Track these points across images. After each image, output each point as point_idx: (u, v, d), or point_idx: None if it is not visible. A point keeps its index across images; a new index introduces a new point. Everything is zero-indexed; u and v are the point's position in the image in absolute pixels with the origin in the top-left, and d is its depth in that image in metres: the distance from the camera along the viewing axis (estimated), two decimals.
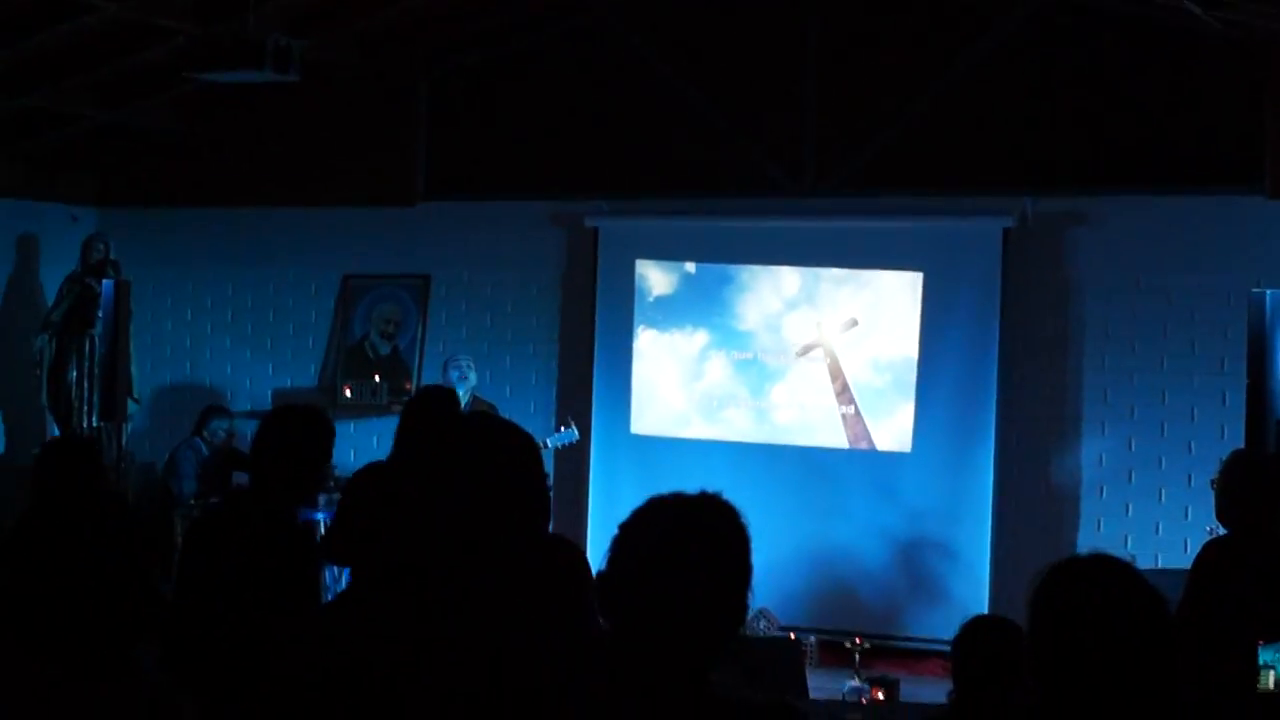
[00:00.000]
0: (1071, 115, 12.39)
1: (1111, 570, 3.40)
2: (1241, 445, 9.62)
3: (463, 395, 12.10)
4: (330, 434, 5.99)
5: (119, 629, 3.56)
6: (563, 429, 12.39)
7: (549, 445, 11.94)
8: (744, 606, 3.14)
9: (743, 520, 3.16)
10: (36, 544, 3.61)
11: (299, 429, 5.88)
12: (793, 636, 10.74)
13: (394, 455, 7.15)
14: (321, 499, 10.37)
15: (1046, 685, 3.34)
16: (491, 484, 4.12)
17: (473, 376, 12.41)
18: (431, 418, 7.16)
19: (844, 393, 12.64)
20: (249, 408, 14.11)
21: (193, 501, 12.55)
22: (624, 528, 3.17)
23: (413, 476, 4.48)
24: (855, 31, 12.91)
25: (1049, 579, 3.40)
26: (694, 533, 3.09)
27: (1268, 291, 10.25)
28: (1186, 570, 7.10)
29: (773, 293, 12.87)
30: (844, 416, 12.62)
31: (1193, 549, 7.12)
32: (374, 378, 13.67)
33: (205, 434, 13.21)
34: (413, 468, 4.98)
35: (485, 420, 4.84)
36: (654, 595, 3.05)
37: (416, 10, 12.88)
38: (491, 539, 4.27)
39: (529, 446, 4.66)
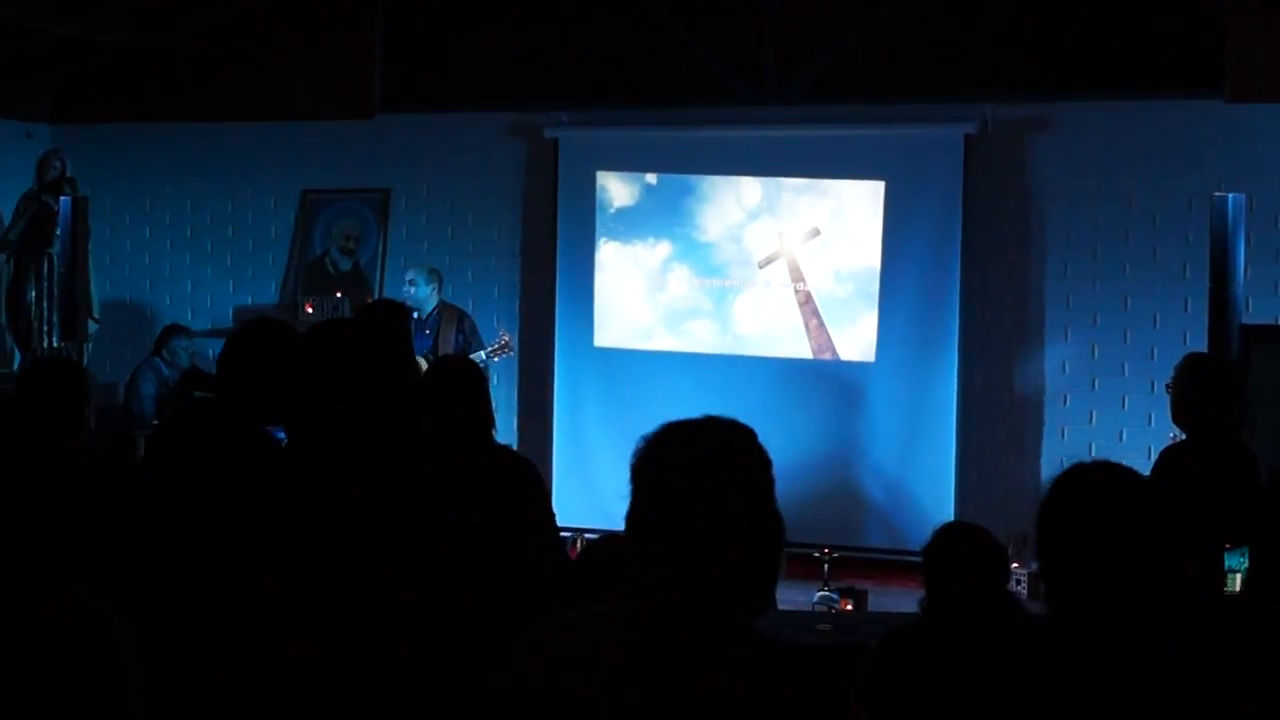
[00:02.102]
0: (1032, 20, 12.37)
1: (1121, 477, 3.43)
2: (1203, 350, 9.64)
3: (422, 307, 12.10)
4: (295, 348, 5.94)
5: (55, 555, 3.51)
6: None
7: (483, 358, 11.91)
8: (780, 544, 3.08)
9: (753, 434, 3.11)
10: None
11: (266, 342, 5.83)
12: None
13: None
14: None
15: (1057, 593, 3.37)
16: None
17: (421, 289, 12.31)
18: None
19: (807, 303, 12.63)
20: (209, 326, 14.04)
21: (154, 422, 12.51)
22: (642, 464, 3.08)
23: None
24: None
25: (1060, 486, 3.43)
26: (718, 471, 3.03)
27: (1229, 195, 10.24)
28: (1147, 477, 7.13)
29: (734, 203, 12.84)
30: (807, 327, 12.61)
31: (1156, 455, 7.15)
32: (335, 294, 13.61)
33: (165, 354, 13.13)
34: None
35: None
36: (691, 548, 2.97)
37: None
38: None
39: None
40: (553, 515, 6.68)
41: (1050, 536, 3.43)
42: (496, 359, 12.19)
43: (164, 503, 5.64)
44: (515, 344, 12.73)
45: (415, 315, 11.74)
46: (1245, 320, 10.31)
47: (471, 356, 11.62)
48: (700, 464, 3.02)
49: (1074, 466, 3.51)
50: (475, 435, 6.44)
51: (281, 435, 7.31)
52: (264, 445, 5.74)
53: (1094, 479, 3.47)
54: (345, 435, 4.41)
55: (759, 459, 3.07)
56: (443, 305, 12.36)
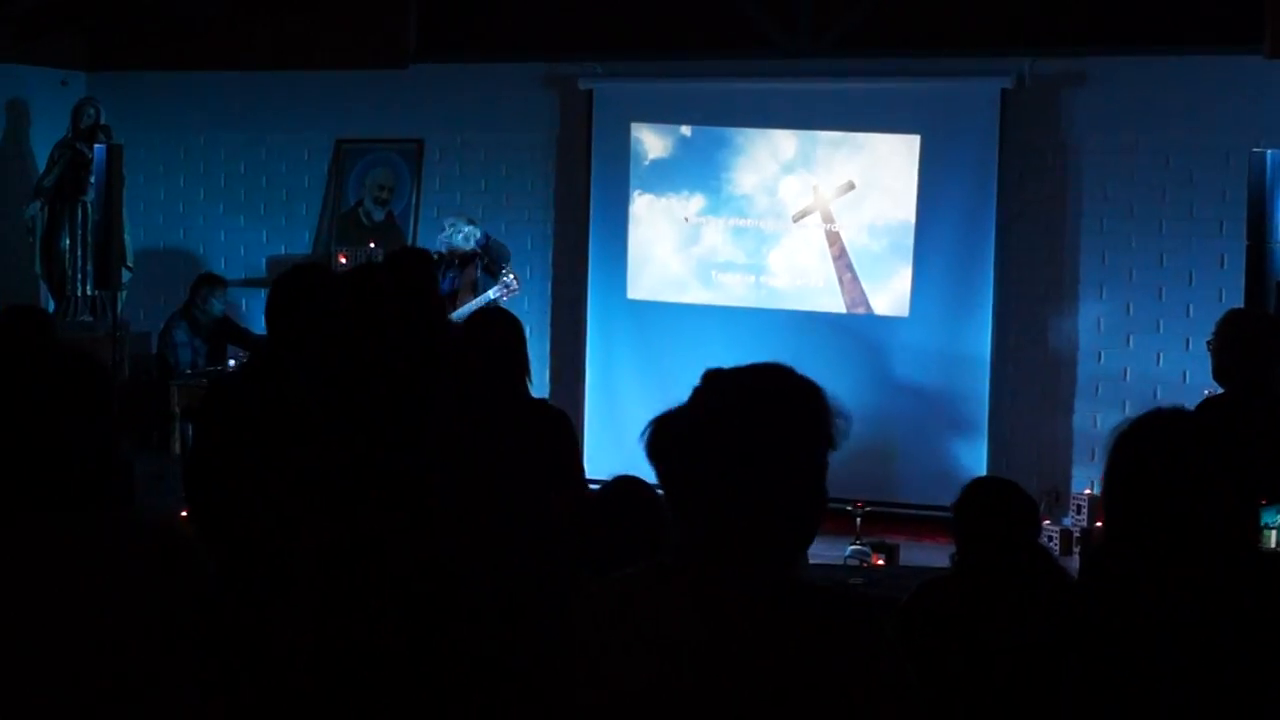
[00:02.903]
0: None
1: (1194, 426, 3.42)
2: (1240, 307, 9.59)
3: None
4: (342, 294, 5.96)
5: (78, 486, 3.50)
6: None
7: (494, 298, 11.89)
8: (822, 493, 3.04)
9: (812, 385, 3.05)
10: None
11: (313, 286, 5.85)
12: None
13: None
14: None
15: (1124, 540, 3.35)
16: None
17: (458, 238, 12.24)
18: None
19: (841, 257, 12.59)
20: (243, 276, 14.06)
21: (189, 372, 12.54)
22: (678, 418, 3.03)
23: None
24: None
25: (1134, 432, 3.40)
26: (761, 407, 2.99)
27: (1268, 151, 10.18)
28: None
29: (769, 156, 12.80)
30: (840, 280, 12.58)
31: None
32: (369, 244, 13.61)
33: (199, 303, 13.15)
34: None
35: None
36: (723, 491, 2.93)
37: None
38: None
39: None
40: (582, 468, 6.72)
41: (1122, 484, 3.40)
42: (506, 298, 12.18)
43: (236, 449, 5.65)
44: (547, 295, 12.72)
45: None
46: None
47: (484, 296, 11.64)
48: (743, 413, 2.98)
49: (1153, 411, 3.48)
50: (510, 386, 6.47)
51: None
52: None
53: (1174, 424, 3.44)
54: (380, 378, 4.41)
55: (803, 410, 3.02)
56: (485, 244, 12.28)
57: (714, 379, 3.06)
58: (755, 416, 2.98)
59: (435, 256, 11.58)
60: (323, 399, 4.81)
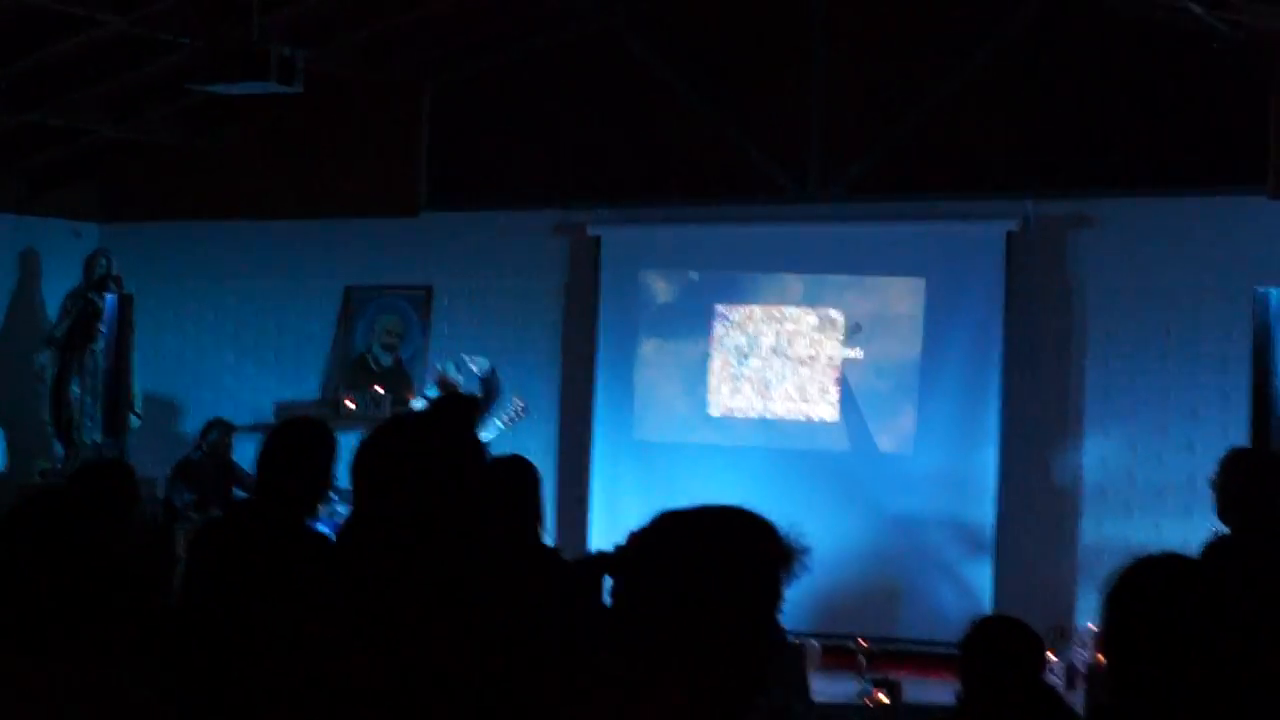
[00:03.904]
0: (1074, 117, 12.37)
1: (1192, 569, 3.37)
2: (1244, 445, 9.57)
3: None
4: (333, 447, 5.97)
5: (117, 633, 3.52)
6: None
7: (502, 425, 11.92)
8: (767, 637, 2.97)
9: (769, 531, 2.98)
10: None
11: (303, 441, 5.87)
12: (796, 640, 10.72)
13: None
14: (322, 511, 10.35)
15: (1129, 692, 3.29)
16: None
17: (450, 368, 12.29)
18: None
19: (847, 397, 12.62)
20: (251, 421, 14.05)
21: (193, 514, 12.53)
22: (639, 546, 3.01)
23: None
24: (858, 37, 12.87)
25: (1131, 580, 3.34)
26: (713, 554, 2.93)
27: (1271, 290, 10.21)
28: None
29: (776, 299, 12.85)
30: (846, 421, 12.59)
31: (1195, 550, 7.07)
32: (377, 389, 13.65)
33: (206, 448, 13.17)
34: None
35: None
36: (678, 626, 2.89)
37: (418, 19, 12.86)
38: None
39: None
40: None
41: (1122, 629, 3.35)
42: (512, 425, 12.19)
43: (212, 595, 5.65)
44: (554, 438, 12.74)
45: None
46: None
47: (490, 425, 11.65)
48: (688, 556, 2.93)
49: (1143, 559, 3.44)
50: (524, 535, 6.41)
51: (322, 528, 7.30)
52: (313, 540, 5.79)
53: (1166, 571, 3.40)
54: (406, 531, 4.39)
55: (747, 553, 2.95)
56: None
57: (663, 520, 3.01)
58: (694, 559, 2.92)
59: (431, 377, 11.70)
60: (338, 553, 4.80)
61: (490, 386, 12.30)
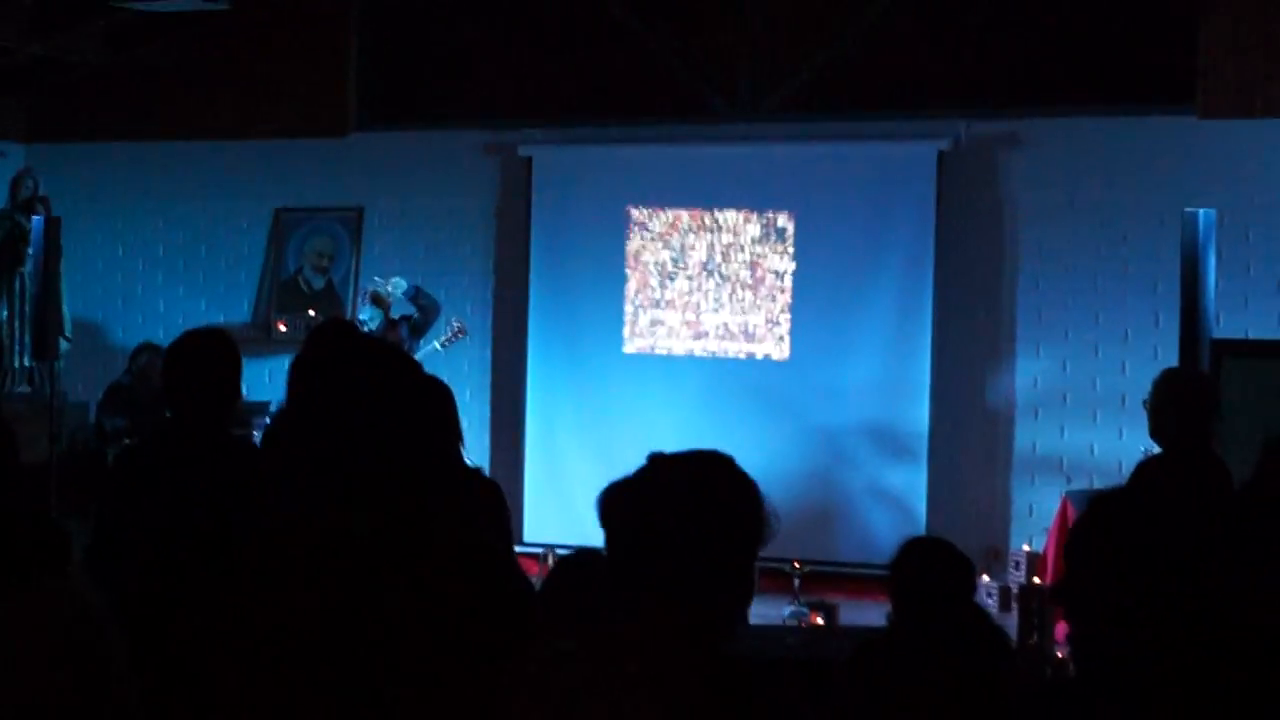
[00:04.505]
0: (1005, 37, 12.40)
1: (1158, 507, 3.38)
2: (1174, 365, 9.64)
3: (369, 320, 12.20)
4: (237, 356, 5.88)
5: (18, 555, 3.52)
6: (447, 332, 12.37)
7: (439, 347, 11.97)
8: (752, 576, 3.14)
9: (750, 481, 3.14)
10: None
11: (207, 352, 5.78)
12: None
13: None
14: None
15: (1089, 627, 3.31)
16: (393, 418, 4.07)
17: (379, 317, 12.32)
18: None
19: (778, 308, 12.64)
20: None
21: (125, 439, 12.46)
22: (623, 492, 3.13)
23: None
24: None
25: (1094, 515, 3.35)
26: (702, 500, 3.07)
27: (1200, 211, 10.26)
28: (1121, 488, 7.13)
29: (707, 214, 12.84)
30: (779, 333, 12.63)
31: (1126, 470, 7.15)
32: (308, 312, 13.59)
33: (136, 371, 13.08)
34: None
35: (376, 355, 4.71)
36: (661, 570, 3.04)
37: None
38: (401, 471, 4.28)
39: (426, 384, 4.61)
40: (510, 542, 6.63)
41: (1083, 567, 3.35)
42: (451, 345, 12.17)
43: (136, 518, 5.62)
44: (487, 359, 12.75)
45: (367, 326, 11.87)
46: (1216, 335, 10.32)
47: (430, 345, 11.67)
48: (685, 503, 3.07)
49: (1106, 494, 3.45)
50: (438, 455, 6.38)
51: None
52: (246, 452, 5.75)
53: (1130, 509, 3.41)
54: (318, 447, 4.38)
55: (742, 501, 3.11)
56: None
57: (659, 466, 3.14)
58: (698, 510, 3.06)
59: (363, 298, 11.73)
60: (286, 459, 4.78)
61: (421, 305, 12.31)
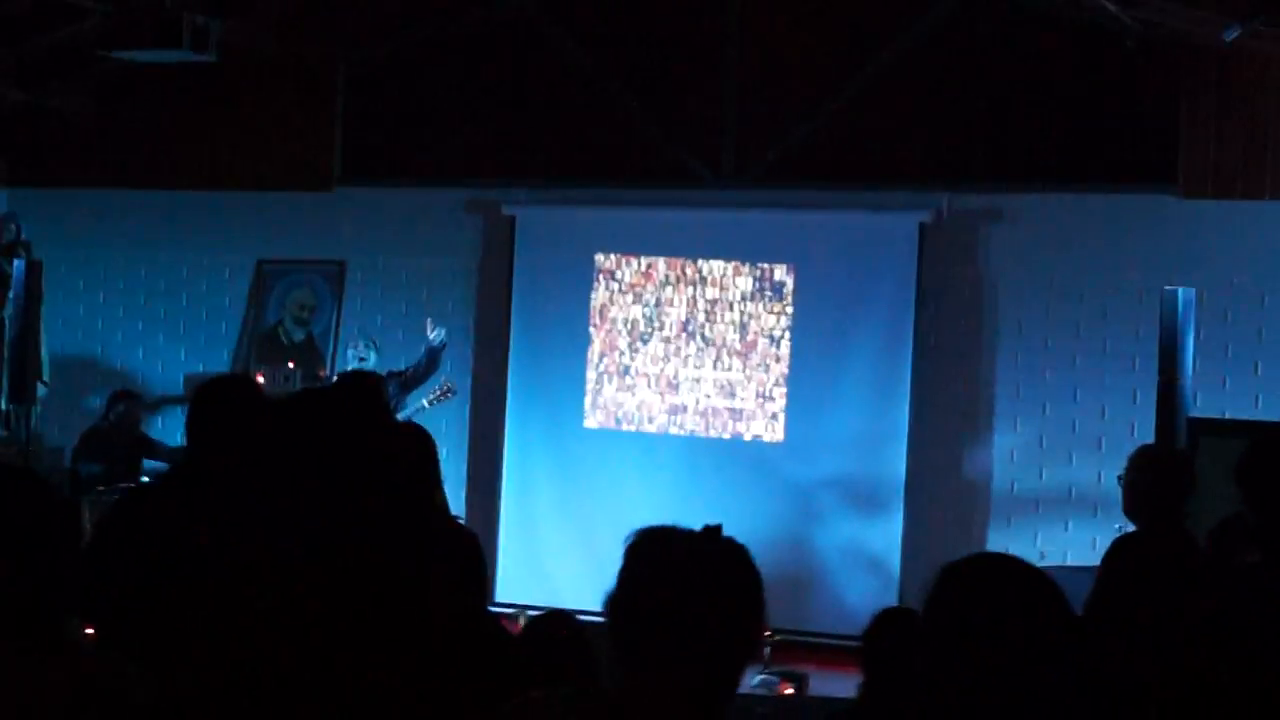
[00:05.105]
0: (988, 111, 12.45)
1: (1008, 571, 3.40)
2: (1151, 442, 9.67)
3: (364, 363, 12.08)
4: (266, 404, 5.84)
5: (49, 607, 3.55)
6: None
7: (427, 405, 11.96)
8: (758, 645, 3.20)
9: (752, 560, 3.19)
10: None
11: (235, 401, 5.74)
12: None
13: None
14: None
15: (945, 682, 3.33)
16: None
17: (372, 357, 12.29)
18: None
19: (758, 384, 12.65)
20: (160, 393, 13.99)
21: (99, 487, 12.42)
22: (633, 564, 3.15)
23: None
24: (775, 25, 12.92)
25: (944, 579, 3.39)
26: (711, 580, 3.10)
27: (1179, 290, 10.31)
28: (1096, 567, 7.14)
29: (691, 286, 12.85)
30: (759, 408, 12.63)
31: (1102, 546, 7.15)
32: (288, 364, 13.58)
33: (113, 419, 13.07)
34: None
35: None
36: (670, 645, 3.06)
37: None
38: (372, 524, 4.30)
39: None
40: (485, 593, 6.62)
41: (934, 631, 3.39)
42: (438, 404, 12.16)
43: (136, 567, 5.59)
44: (465, 418, 12.74)
45: None
46: (1193, 414, 10.36)
47: (418, 405, 11.65)
48: (699, 582, 3.10)
49: (963, 560, 3.49)
50: (419, 503, 6.36)
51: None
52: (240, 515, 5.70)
53: (982, 574, 3.44)
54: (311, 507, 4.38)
55: (750, 574, 3.16)
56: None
57: (653, 544, 3.16)
58: (711, 587, 3.11)
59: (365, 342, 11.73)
60: (265, 510, 4.77)
61: (432, 360, 12.28)
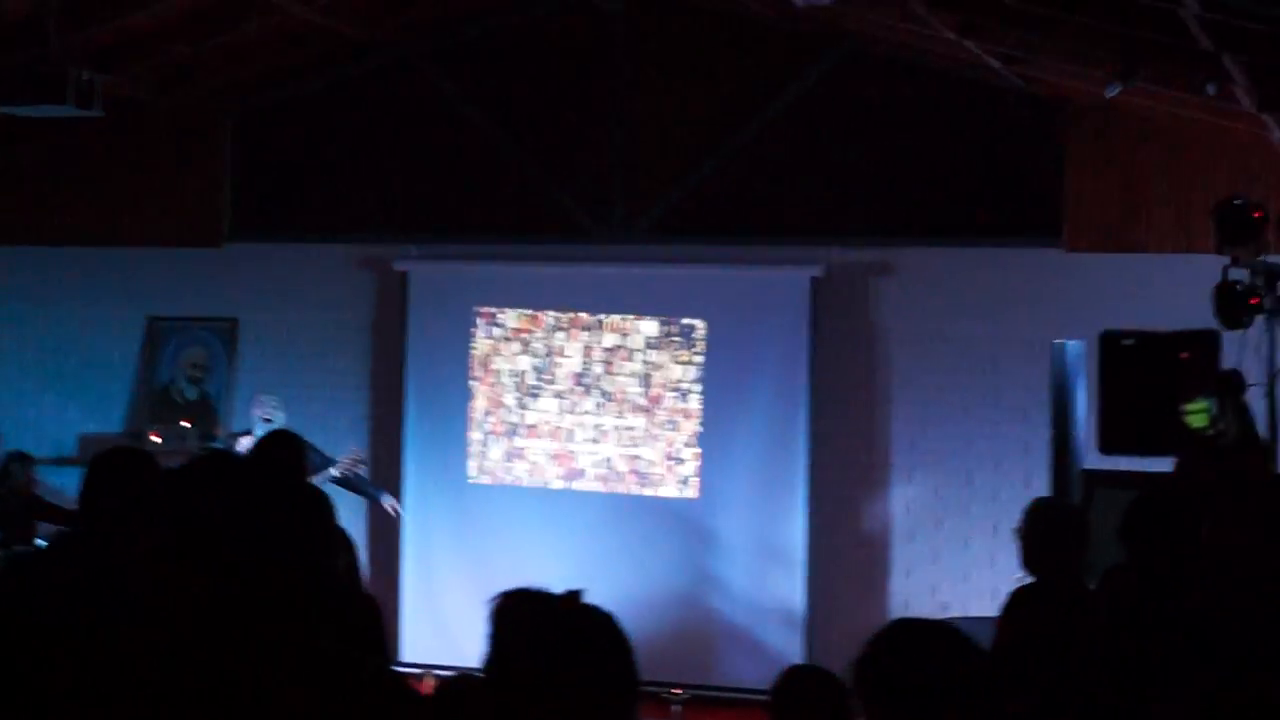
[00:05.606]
0: (875, 166, 12.60)
1: (930, 635, 3.47)
2: (1045, 494, 9.79)
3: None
4: (159, 475, 5.83)
5: None
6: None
7: (335, 474, 11.86)
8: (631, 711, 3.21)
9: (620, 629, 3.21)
10: None
11: (128, 473, 5.73)
12: None
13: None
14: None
15: None
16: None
17: (279, 417, 12.18)
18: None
19: (654, 440, 12.69)
20: (54, 453, 13.83)
21: None
22: (498, 629, 3.21)
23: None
24: (662, 81, 13.03)
25: (873, 649, 3.45)
26: (574, 648, 3.16)
27: (1068, 343, 10.46)
28: (996, 617, 7.23)
29: (586, 341, 12.88)
30: (651, 464, 12.66)
31: (1001, 596, 7.24)
32: (181, 423, 13.48)
33: (7, 481, 12.90)
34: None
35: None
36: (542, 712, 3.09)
37: (220, 46, 12.71)
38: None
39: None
40: (387, 657, 6.56)
41: (870, 699, 3.45)
42: (349, 474, 12.09)
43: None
44: (363, 475, 12.69)
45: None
46: (1086, 465, 10.48)
47: (325, 473, 11.55)
48: (562, 650, 3.16)
49: (886, 628, 3.55)
50: (315, 568, 6.31)
51: None
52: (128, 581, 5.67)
53: (907, 640, 3.50)
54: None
55: (620, 649, 3.19)
56: None
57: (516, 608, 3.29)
58: (575, 655, 3.18)
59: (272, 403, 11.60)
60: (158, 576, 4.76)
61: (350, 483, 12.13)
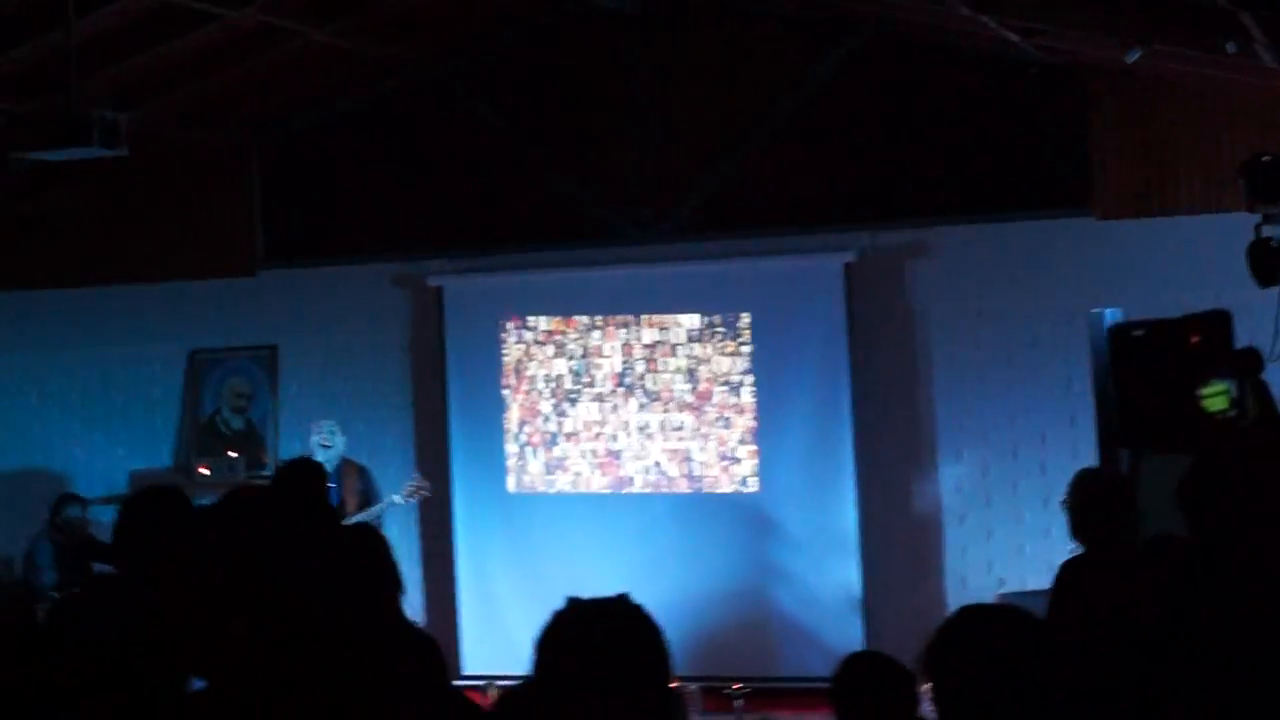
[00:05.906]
0: (902, 148, 12.58)
1: (1000, 621, 3.47)
2: (1092, 464, 9.75)
3: (328, 462, 11.87)
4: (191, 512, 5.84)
5: None
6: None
7: (399, 500, 11.90)
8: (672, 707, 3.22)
9: (657, 625, 3.20)
10: None
11: (158, 514, 5.73)
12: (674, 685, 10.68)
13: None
14: None
15: None
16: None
17: (339, 441, 12.21)
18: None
19: (704, 437, 12.68)
20: (104, 493, 13.89)
21: (54, 594, 12.34)
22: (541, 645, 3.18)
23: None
24: (684, 77, 13.04)
25: (943, 637, 3.46)
26: (614, 654, 3.13)
27: (1105, 310, 10.41)
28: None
29: (625, 344, 12.90)
30: (702, 461, 12.66)
31: (1055, 568, 7.26)
32: (229, 453, 13.54)
33: (60, 523, 12.98)
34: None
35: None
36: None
37: (240, 77, 12.77)
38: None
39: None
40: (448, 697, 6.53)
41: (944, 685, 3.46)
42: (412, 500, 12.12)
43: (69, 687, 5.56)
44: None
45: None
46: None
47: (384, 502, 11.56)
48: (600, 657, 3.13)
49: (958, 614, 3.56)
50: (373, 609, 6.22)
51: None
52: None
53: (984, 625, 3.51)
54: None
55: (657, 652, 3.16)
56: (343, 459, 12.19)
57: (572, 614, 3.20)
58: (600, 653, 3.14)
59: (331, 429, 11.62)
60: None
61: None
